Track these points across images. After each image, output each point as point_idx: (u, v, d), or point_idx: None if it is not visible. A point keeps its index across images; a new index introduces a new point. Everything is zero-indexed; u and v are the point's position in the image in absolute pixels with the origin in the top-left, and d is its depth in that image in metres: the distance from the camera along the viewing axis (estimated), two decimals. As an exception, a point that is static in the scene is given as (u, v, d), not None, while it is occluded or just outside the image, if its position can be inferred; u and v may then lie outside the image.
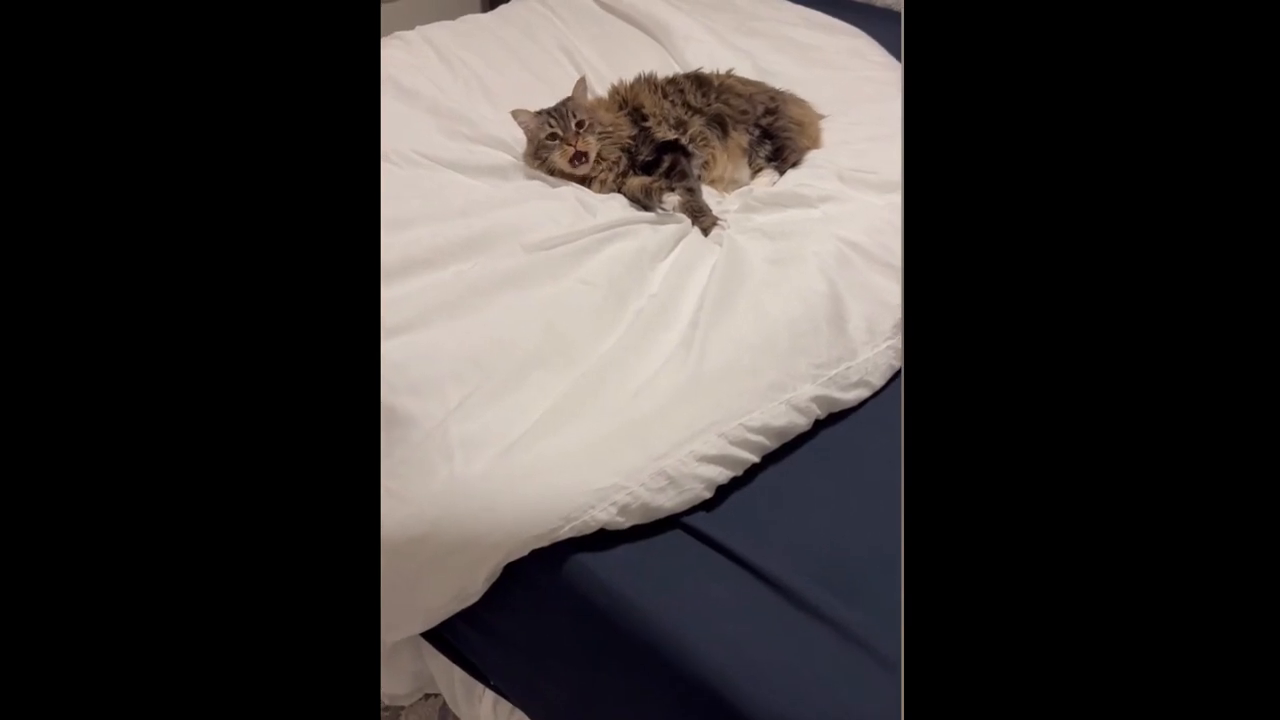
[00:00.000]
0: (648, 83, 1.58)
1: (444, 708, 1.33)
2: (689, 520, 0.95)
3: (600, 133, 1.45)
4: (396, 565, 0.96)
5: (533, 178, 1.47)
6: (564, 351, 1.11)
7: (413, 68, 1.82)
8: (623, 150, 1.46)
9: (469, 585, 0.97)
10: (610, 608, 0.90)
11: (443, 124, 1.61)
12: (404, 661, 1.20)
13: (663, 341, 1.12)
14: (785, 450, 1.03)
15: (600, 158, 1.44)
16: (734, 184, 1.50)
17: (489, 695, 1.13)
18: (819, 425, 1.07)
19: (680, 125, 1.50)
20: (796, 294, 1.15)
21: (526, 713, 1.08)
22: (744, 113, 1.53)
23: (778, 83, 1.68)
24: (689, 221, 1.36)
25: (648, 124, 1.50)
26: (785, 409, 1.03)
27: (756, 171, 1.51)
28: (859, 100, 1.67)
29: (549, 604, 0.95)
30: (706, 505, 0.97)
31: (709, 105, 1.53)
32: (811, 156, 1.52)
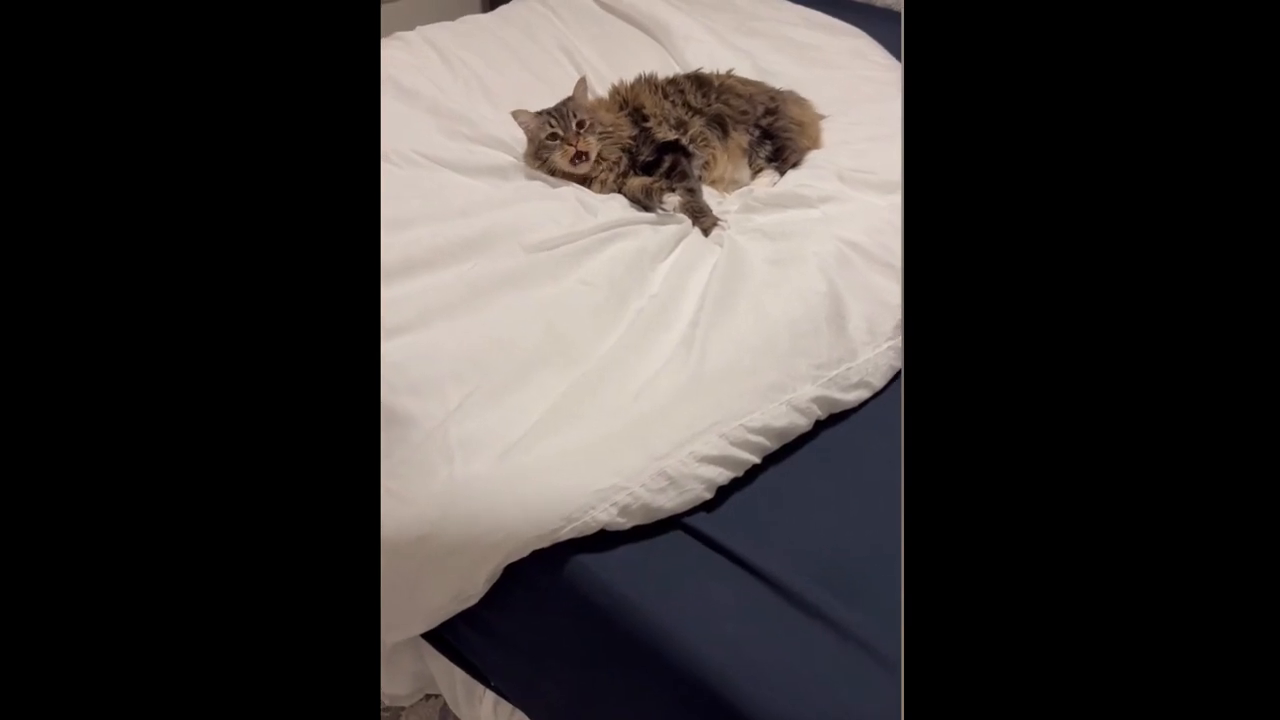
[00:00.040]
0: (648, 83, 1.58)
1: (444, 708, 1.33)
2: (689, 521, 0.95)
3: (601, 133, 1.44)
4: (397, 566, 0.96)
5: (533, 178, 1.46)
6: (564, 352, 1.11)
7: (413, 68, 1.81)
8: (623, 150, 1.46)
9: (469, 586, 0.97)
10: (611, 608, 0.90)
11: (443, 124, 1.61)
12: (404, 662, 1.20)
13: (663, 342, 1.12)
14: (786, 451, 1.03)
15: (601, 158, 1.44)
16: (734, 184, 1.50)
17: (490, 696, 1.13)
18: (819, 426, 1.07)
19: (681, 125, 1.50)
20: (797, 294, 1.15)
21: (527, 713, 1.08)
22: (744, 113, 1.53)
23: (778, 83, 1.68)
24: (689, 222, 1.36)
25: (648, 124, 1.49)
26: (786, 410, 1.03)
27: (757, 172, 1.51)
28: (859, 100, 1.67)
29: (550, 605, 0.95)
30: (707, 506, 0.97)
31: (709, 105, 1.53)
32: (812, 157, 1.52)
